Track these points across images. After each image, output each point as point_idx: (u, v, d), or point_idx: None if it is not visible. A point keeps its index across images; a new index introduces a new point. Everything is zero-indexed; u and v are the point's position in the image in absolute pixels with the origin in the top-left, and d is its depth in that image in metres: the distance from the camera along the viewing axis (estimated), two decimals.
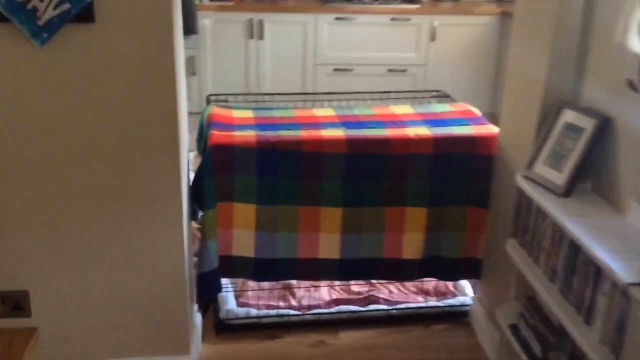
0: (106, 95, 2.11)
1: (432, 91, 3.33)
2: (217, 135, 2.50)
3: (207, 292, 2.58)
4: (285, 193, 2.54)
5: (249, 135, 2.53)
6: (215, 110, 2.80)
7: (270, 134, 2.55)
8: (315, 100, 3.31)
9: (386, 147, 2.56)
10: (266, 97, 3.41)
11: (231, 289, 2.91)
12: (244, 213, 2.54)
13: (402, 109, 2.92)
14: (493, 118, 3.72)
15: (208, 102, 3.07)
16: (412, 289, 3.03)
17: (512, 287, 2.42)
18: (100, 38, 2.04)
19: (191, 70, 4.64)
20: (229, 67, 4.77)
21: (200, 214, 2.55)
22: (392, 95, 3.20)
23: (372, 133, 2.59)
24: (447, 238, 2.67)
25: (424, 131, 2.63)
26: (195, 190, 2.52)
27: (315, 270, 2.65)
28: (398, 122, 2.75)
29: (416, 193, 2.60)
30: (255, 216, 2.55)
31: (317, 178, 2.55)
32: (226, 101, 3.06)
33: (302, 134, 2.56)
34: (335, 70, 4.84)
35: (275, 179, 2.53)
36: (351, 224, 2.60)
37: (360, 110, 2.89)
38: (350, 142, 2.54)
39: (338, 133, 2.58)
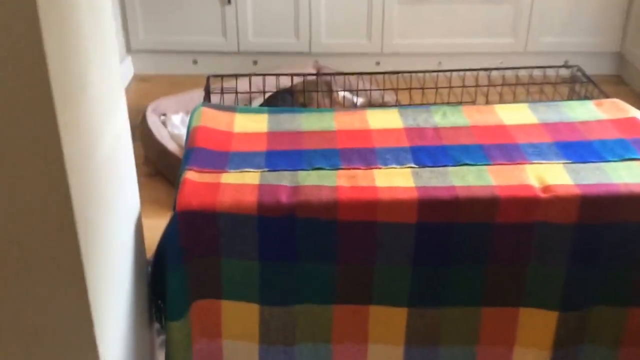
0: None
1: (555, 66, 2.12)
2: (190, 191, 1.43)
3: None
4: (309, 285, 1.48)
5: (248, 185, 1.45)
6: (207, 117, 1.70)
7: (286, 181, 1.46)
8: (378, 80, 2.15)
9: (491, 211, 1.43)
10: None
11: None
12: (240, 316, 1.50)
13: (516, 114, 1.74)
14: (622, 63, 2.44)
15: (207, 91, 1.95)
16: None
17: None
18: None
19: None
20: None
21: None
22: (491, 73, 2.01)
23: (465, 182, 1.46)
24: (591, 355, 1.57)
25: (559, 175, 1.48)
26: (156, 285, 1.50)
27: None
28: (510, 147, 1.59)
29: (541, 286, 1.49)
30: (258, 321, 1.50)
31: (365, 262, 1.46)
32: (234, 91, 1.96)
33: (342, 182, 1.46)
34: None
35: (292, 264, 1.46)
36: (422, 331, 1.53)
37: (445, 117, 1.72)
38: (426, 205, 1.42)
39: (403, 180, 1.46)
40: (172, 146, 2.66)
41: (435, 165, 1.53)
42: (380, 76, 3.35)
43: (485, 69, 2.01)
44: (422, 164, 1.53)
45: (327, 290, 1.48)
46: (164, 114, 2.91)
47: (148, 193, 2.59)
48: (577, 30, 3.43)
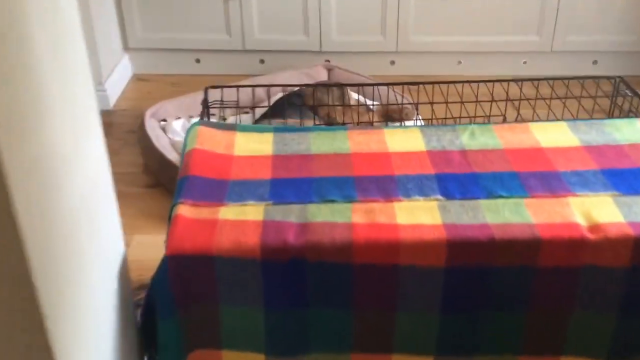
0: None
1: (594, 77, 1.93)
2: (182, 231, 1.24)
3: None
4: (321, 333, 1.29)
5: (250, 222, 1.26)
6: (204, 137, 1.51)
7: (293, 217, 1.27)
8: (395, 83, 1.96)
9: (532, 254, 1.24)
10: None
11: None
12: None
13: (554, 134, 1.54)
14: None
15: (205, 105, 1.76)
16: None
17: None
18: None
19: None
20: None
21: None
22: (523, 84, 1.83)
23: (500, 219, 1.26)
24: None
25: (608, 210, 1.28)
26: (147, 335, 1.32)
27: None
28: (550, 176, 1.39)
29: (587, 334, 1.30)
30: None
31: (385, 308, 1.28)
32: (236, 105, 1.78)
33: (358, 218, 1.27)
34: None
35: (303, 311, 1.28)
36: None
37: (473, 137, 1.53)
38: (456, 247, 1.23)
39: (429, 216, 1.27)
40: (172, 156, 2.47)
41: (464, 197, 1.33)
42: (398, 78, 3.17)
43: (517, 80, 1.80)
44: (449, 196, 1.34)
45: (342, 338, 1.30)
46: (164, 120, 2.72)
47: (147, 206, 2.41)
48: (606, 28, 3.21)
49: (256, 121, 2.56)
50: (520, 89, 1.80)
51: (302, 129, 1.56)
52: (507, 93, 1.79)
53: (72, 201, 1.01)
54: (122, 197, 2.47)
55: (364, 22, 3.17)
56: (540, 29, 3.21)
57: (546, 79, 1.80)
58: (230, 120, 2.70)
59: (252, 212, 1.29)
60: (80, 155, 1.07)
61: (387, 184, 1.37)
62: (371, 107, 2.80)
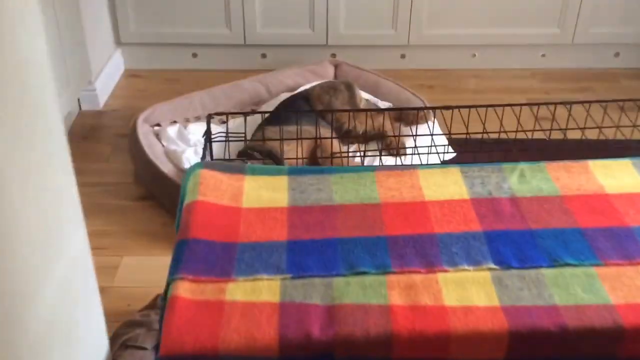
0: None
1: None
2: (180, 322, 0.97)
3: None
4: None
5: (265, 306, 1.00)
6: (207, 184, 1.23)
7: (317, 297, 1.01)
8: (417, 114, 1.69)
9: (612, 345, 0.99)
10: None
11: None
12: None
13: (618, 175, 1.27)
14: None
15: (208, 135, 1.46)
16: None
17: None
18: None
19: None
20: None
21: None
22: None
23: (571, 298, 1.01)
24: None
25: None
26: None
27: None
28: (622, 233, 1.13)
29: None
30: None
31: None
32: (244, 137, 1.49)
33: (396, 297, 1.01)
34: None
35: None
36: None
37: (523, 180, 1.26)
38: (519, 337, 0.98)
39: (483, 295, 1.02)
40: (166, 167, 2.20)
41: (523, 266, 1.08)
42: (409, 72, 2.89)
43: (565, 103, 1.53)
44: (505, 264, 1.08)
45: None
46: (158, 124, 2.44)
47: (137, 221, 2.14)
48: (630, 19, 2.92)
49: (258, 127, 2.29)
50: (569, 111, 1.52)
51: (322, 170, 1.28)
52: (553, 115, 1.52)
53: (38, 320, 0.74)
54: (110, 211, 2.19)
55: (375, 14, 2.86)
56: (561, 20, 2.91)
57: (600, 101, 1.52)
58: (231, 125, 2.41)
59: (267, 289, 1.03)
60: (50, 264, 0.80)
61: (427, 247, 1.11)
62: (382, 107, 2.53)
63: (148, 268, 1.97)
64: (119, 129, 2.56)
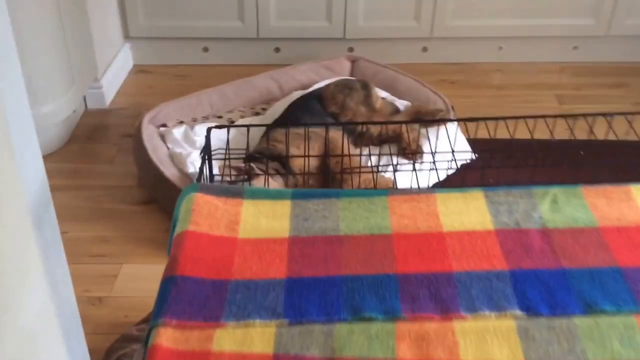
0: None
1: None
2: None
3: None
4: None
5: (255, 357, 0.87)
6: (200, 211, 1.10)
7: (315, 348, 0.88)
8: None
9: None
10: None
11: None
12: None
13: None
14: None
15: (207, 151, 1.32)
16: None
17: None
18: None
19: None
20: None
21: None
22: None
23: (607, 355, 0.87)
24: None
25: None
26: None
27: None
28: None
29: None
30: None
31: None
32: (245, 155, 1.36)
33: (405, 351, 0.88)
34: None
35: None
36: None
37: (556, 208, 1.11)
38: None
39: (506, 349, 0.88)
40: (170, 171, 2.08)
41: (554, 313, 0.93)
42: (430, 67, 2.72)
43: (606, 114, 1.37)
44: (533, 310, 0.94)
45: None
46: (164, 125, 2.32)
47: (139, 226, 2.03)
48: None
49: (268, 129, 2.16)
50: (610, 123, 1.37)
51: (328, 193, 1.15)
52: (591, 129, 1.37)
53: None
54: (112, 215, 2.03)
55: (396, 5, 2.70)
56: (596, 10, 2.73)
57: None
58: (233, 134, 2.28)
59: (259, 338, 0.90)
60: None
61: (443, 288, 0.97)
62: (399, 108, 2.38)
63: (148, 277, 1.86)
64: (126, 129, 2.45)
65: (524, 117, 1.35)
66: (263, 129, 2.16)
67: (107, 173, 2.27)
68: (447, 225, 1.08)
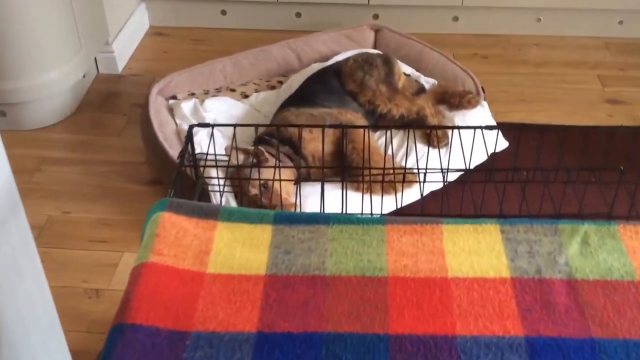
0: None
1: None
2: None
3: None
4: None
5: None
6: (166, 235, 0.91)
7: None
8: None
9: None
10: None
11: None
12: None
13: None
14: None
15: (189, 146, 1.13)
16: None
17: None
18: None
19: None
20: None
21: None
22: None
23: None
24: None
25: None
26: None
27: None
28: None
29: None
30: None
31: None
32: (228, 162, 1.17)
33: None
34: None
35: None
36: None
37: (586, 251, 0.89)
38: None
39: None
40: (176, 151, 1.89)
41: None
42: (461, 38, 2.43)
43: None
44: None
45: None
46: (174, 97, 2.12)
47: (143, 210, 1.76)
48: None
49: (279, 110, 1.95)
50: None
51: (317, 218, 0.95)
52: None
53: None
54: (117, 196, 1.91)
55: None
56: None
57: None
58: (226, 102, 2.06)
59: None
60: None
61: (442, 356, 0.78)
62: (424, 86, 2.14)
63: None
64: (137, 98, 2.26)
65: (559, 128, 1.12)
66: (278, 100, 1.94)
67: (115, 147, 2.09)
68: (454, 269, 0.88)
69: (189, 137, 1.10)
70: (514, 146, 1.34)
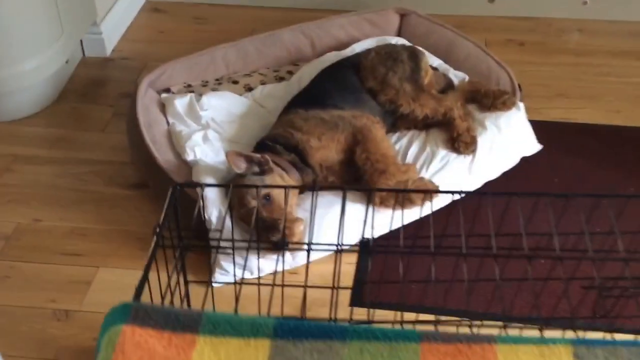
0: None
1: None
2: None
3: None
4: None
5: None
6: (125, 356, 0.69)
7: None
8: None
9: None
10: None
11: None
12: None
13: None
14: None
15: (160, 227, 0.85)
16: None
17: None
18: None
19: None
20: None
21: None
22: None
23: None
24: None
25: None
26: None
27: None
28: None
29: None
30: None
31: None
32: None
33: None
34: None
35: None
36: None
37: None
38: None
39: None
40: (165, 157, 1.61)
41: None
42: (497, 21, 2.13)
43: None
44: None
45: None
46: (167, 90, 1.87)
47: (126, 217, 1.62)
48: None
49: (285, 111, 1.70)
50: None
51: (329, 332, 0.72)
52: None
53: None
54: (96, 201, 1.67)
55: None
56: None
57: None
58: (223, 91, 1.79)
59: None
60: None
61: None
62: (453, 81, 1.86)
63: (125, 287, 1.38)
64: (125, 86, 1.98)
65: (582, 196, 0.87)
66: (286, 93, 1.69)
67: (97, 144, 1.83)
68: None
69: (174, 198, 0.84)
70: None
